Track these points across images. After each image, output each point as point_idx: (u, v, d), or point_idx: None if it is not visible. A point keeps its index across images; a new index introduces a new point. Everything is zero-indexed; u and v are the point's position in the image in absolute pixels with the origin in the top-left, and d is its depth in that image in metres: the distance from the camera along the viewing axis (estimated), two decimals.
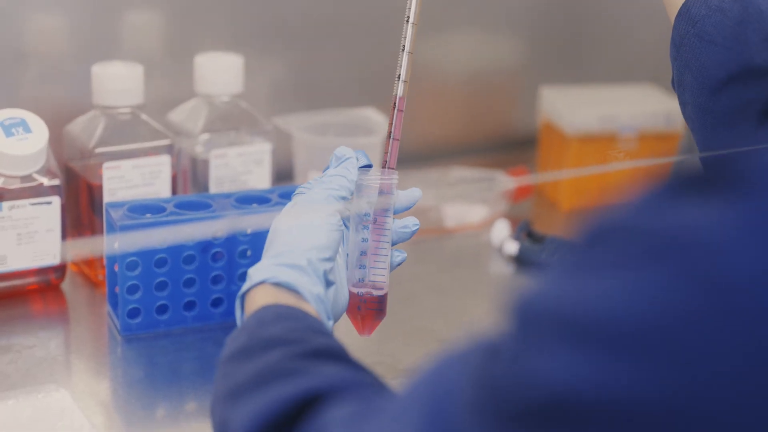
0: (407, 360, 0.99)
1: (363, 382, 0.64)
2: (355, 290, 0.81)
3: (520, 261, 1.18)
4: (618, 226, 0.46)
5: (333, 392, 0.61)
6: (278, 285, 0.74)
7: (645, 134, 1.33)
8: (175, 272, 0.99)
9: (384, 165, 0.82)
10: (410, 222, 0.83)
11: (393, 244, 0.83)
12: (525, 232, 1.20)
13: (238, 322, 0.76)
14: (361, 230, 0.81)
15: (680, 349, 0.42)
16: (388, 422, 0.55)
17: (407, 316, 1.07)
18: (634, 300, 0.43)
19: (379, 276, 0.82)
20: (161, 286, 0.99)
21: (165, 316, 1.00)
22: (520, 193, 1.32)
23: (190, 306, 1.01)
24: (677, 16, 0.83)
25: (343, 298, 0.80)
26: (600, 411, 0.43)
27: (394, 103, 0.82)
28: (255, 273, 0.76)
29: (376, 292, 0.82)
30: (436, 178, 1.30)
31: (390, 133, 0.82)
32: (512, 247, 1.19)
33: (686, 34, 0.81)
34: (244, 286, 0.76)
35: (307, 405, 0.61)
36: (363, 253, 0.81)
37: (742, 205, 0.44)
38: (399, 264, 0.84)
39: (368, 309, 0.82)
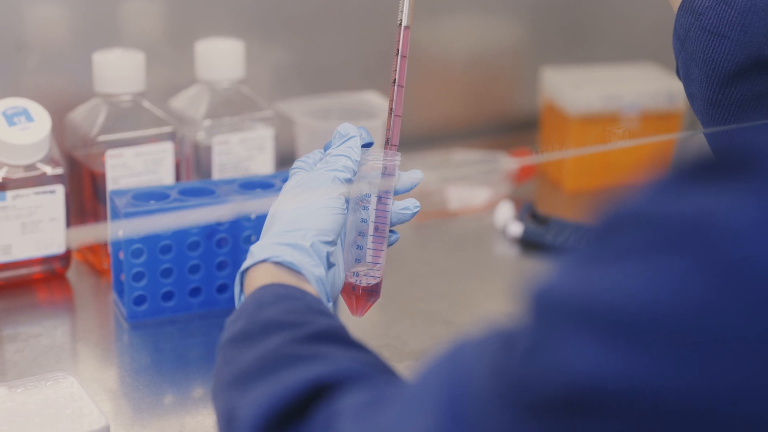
0: (414, 343, 0.99)
1: (372, 369, 0.63)
2: (351, 271, 0.81)
3: (525, 242, 1.18)
4: (633, 213, 0.45)
5: (343, 380, 0.61)
6: (280, 264, 0.74)
7: (647, 114, 1.32)
8: (180, 259, 0.99)
9: (386, 143, 0.82)
10: (411, 204, 0.82)
11: (391, 225, 0.82)
12: (529, 213, 1.20)
13: (237, 299, 0.75)
14: (361, 210, 0.81)
15: (702, 338, 0.42)
16: (401, 411, 0.54)
17: (412, 298, 1.07)
18: (654, 289, 0.42)
19: (376, 258, 0.81)
20: (166, 272, 0.99)
21: (171, 303, 1.00)
22: (523, 175, 1.32)
23: (195, 292, 1.01)
24: (680, 8, 0.81)
25: (341, 280, 0.80)
26: (622, 401, 0.42)
27: (394, 79, 0.81)
28: (258, 251, 0.75)
29: (372, 273, 0.81)
30: (438, 161, 1.30)
31: (391, 110, 0.82)
32: (516, 229, 1.19)
33: (690, 27, 0.79)
34: (245, 263, 0.75)
35: (317, 392, 0.61)
36: (361, 234, 0.81)
37: (760, 190, 0.43)
38: (392, 244, 0.83)
39: (363, 290, 0.81)
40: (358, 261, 0.81)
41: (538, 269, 0.48)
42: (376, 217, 0.81)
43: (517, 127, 1.46)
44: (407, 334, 1.00)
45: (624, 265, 0.44)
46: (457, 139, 1.40)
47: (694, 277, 0.42)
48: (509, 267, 1.17)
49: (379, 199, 0.81)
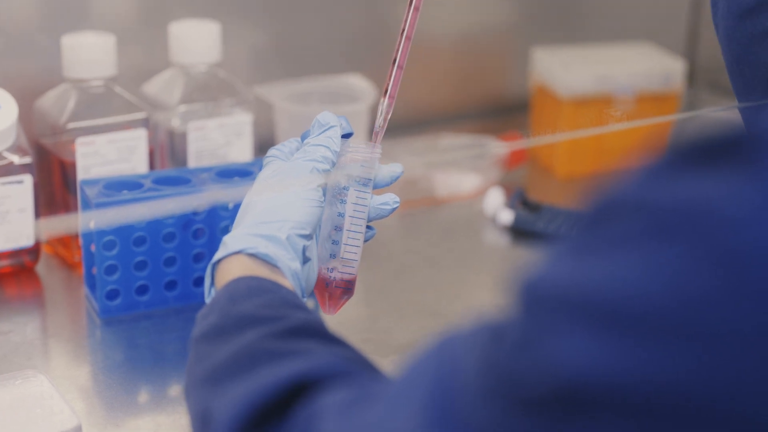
0: (401, 336, 0.99)
1: (354, 365, 0.63)
2: (325, 266, 0.81)
3: (516, 231, 1.19)
4: (625, 200, 0.45)
5: (324, 376, 0.61)
6: (254, 256, 0.74)
7: (643, 95, 1.32)
8: (154, 251, 0.99)
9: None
10: (390, 199, 0.82)
11: (369, 220, 0.82)
12: (520, 200, 1.20)
13: (207, 292, 0.75)
14: (338, 204, 0.81)
15: (698, 330, 0.41)
16: (386, 407, 0.54)
17: (399, 289, 1.07)
18: (647, 279, 0.42)
19: (351, 254, 0.81)
20: (140, 265, 0.99)
21: (145, 297, 1.00)
22: (513, 160, 1.32)
23: (171, 286, 1.01)
24: None
25: (315, 275, 0.80)
26: (616, 396, 0.43)
27: (395, 59, 0.81)
28: (231, 241, 0.75)
29: (347, 270, 0.81)
30: (425, 146, 1.30)
31: (386, 90, 0.81)
32: (507, 217, 1.19)
33: None
34: (217, 254, 0.75)
35: (296, 390, 0.60)
36: (337, 228, 0.81)
37: (758, 175, 0.42)
38: (368, 240, 0.83)
39: (336, 286, 0.81)
40: (332, 256, 0.81)
41: (529, 259, 0.48)
42: (354, 211, 0.81)
43: (507, 111, 1.46)
44: (393, 327, 1.00)
45: (616, 254, 0.44)
46: (444, 123, 1.40)
47: (689, 266, 0.42)
48: (500, 256, 1.17)
49: (358, 192, 0.81)
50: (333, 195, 0.81)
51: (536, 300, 0.46)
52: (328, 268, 0.81)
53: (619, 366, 0.42)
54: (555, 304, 0.45)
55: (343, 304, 0.82)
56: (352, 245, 0.81)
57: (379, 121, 0.81)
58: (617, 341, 0.43)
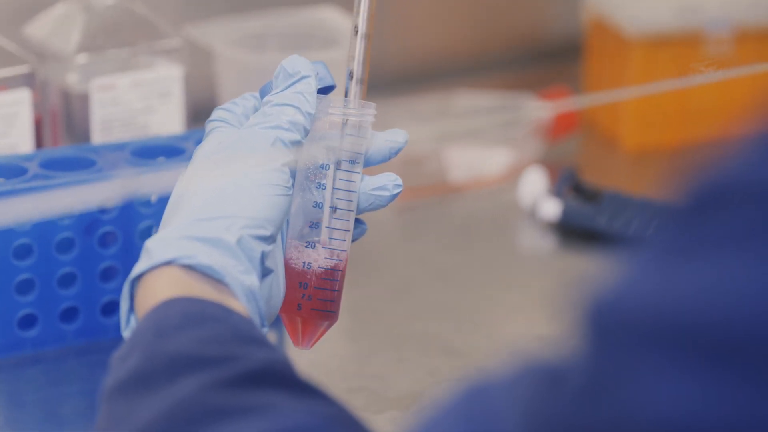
0: (401, 384, 0.99)
1: (336, 425, 0.63)
2: (295, 280, 0.82)
3: (566, 228, 1.19)
4: (733, 185, 0.46)
5: None
6: (191, 269, 0.74)
7: (743, 32, 1.33)
8: (44, 265, 0.99)
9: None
10: (388, 181, 0.83)
11: (359, 213, 0.83)
12: (571, 185, 1.21)
13: (124, 322, 0.75)
14: (313, 190, 0.82)
15: None
16: None
17: (401, 316, 1.08)
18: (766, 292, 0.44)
19: (333, 261, 0.82)
20: (24, 286, 0.99)
21: (32, 332, 1.00)
22: (560, 127, 1.32)
23: (69, 315, 1.01)
24: None
25: (280, 294, 0.80)
26: None
27: None
28: (158, 247, 0.75)
29: (326, 284, 0.82)
30: (434, 109, 1.30)
31: (356, 27, 0.82)
32: (553, 209, 1.19)
33: None
34: (138, 266, 0.75)
35: None
36: (312, 225, 0.82)
37: None
38: (355, 240, 0.84)
39: (313, 309, 0.82)
40: (307, 267, 0.82)
41: (593, 271, 0.48)
42: (336, 199, 0.82)
43: (550, 57, 1.47)
44: (391, 371, 1.01)
45: (724, 260, 0.45)
46: (461, 75, 1.41)
47: None
48: (542, 266, 1.18)
49: (342, 173, 0.82)
50: (306, 177, 0.82)
51: (611, 328, 0.47)
52: (300, 283, 0.81)
53: (728, 410, 0.44)
54: (639, 332, 0.45)
55: (323, 333, 0.83)
56: (334, 249, 0.82)
57: (357, 71, 0.82)
58: (725, 379, 0.44)
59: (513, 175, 1.26)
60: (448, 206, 1.24)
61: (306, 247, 0.82)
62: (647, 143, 1.34)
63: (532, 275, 1.15)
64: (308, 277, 0.82)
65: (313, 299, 0.82)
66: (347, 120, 0.82)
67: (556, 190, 1.20)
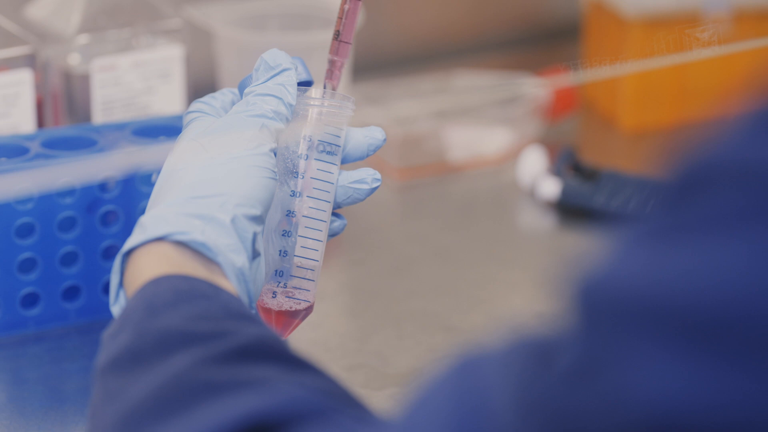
0: (400, 360, 0.99)
1: (331, 399, 0.63)
2: (271, 267, 0.82)
3: (564, 207, 1.19)
4: (725, 164, 0.46)
5: (289, 417, 0.61)
6: (184, 245, 0.74)
7: (743, 13, 1.33)
8: (46, 244, 0.99)
9: (330, 67, 0.82)
10: (367, 175, 0.83)
11: (337, 207, 0.83)
12: (570, 164, 1.21)
13: (113, 297, 0.75)
14: (290, 179, 0.82)
15: None
16: None
17: (401, 294, 1.08)
18: (760, 274, 0.44)
19: (310, 251, 0.82)
20: (27, 265, 0.99)
21: (35, 310, 1.00)
22: (559, 107, 1.32)
23: (71, 294, 1.01)
24: None
25: (262, 277, 0.80)
26: None
27: None
28: (152, 223, 0.75)
29: (301, 284, 0.82)
30: (432, 88, 1.30)
31: (343, 12, 0.83)
32: (551, 188, 1.20)
33: None
34: (130, 241, 0.74)
35: None
36: (289, 214, 0.82)
37: None
38: (335, 234, 0.84)
39: (287, 296, 0.82)
40: (283, 254, 0.82)
41: (587, 249, 0.48)
42: (313, 189, 0.82)
43: (549, 37, 1.47)
44: (391, 349, 1.01)
45: (715, 240, 0.45)
46: (460, 56, 1.41)
47: None
48: (541, 245, 1.18)
49: (319, 162, 0.82)
50: (284, 166, 0.82)
51: (600, 308, 0.47)
52: (276, 271, 0.82)
53: (719, 396, 0.44)
54: (627, 313, 0.46)
55: (298, 324, 0.83)
56: (310, 239, 0.82)
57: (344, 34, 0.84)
58: (716, 362, 0.44)
59: (512, 155, 1.26)
60: (447, 185, 1.24)
61: (283, 236, 0.82)
62: (645, 123, 1.34)
63: (532, 253, 1.16)
64: (284, 265, 0.82)
65: (288, 287, 0.82)
66: (325, 110, 0.82)
67: (555, 170, 1.21)
